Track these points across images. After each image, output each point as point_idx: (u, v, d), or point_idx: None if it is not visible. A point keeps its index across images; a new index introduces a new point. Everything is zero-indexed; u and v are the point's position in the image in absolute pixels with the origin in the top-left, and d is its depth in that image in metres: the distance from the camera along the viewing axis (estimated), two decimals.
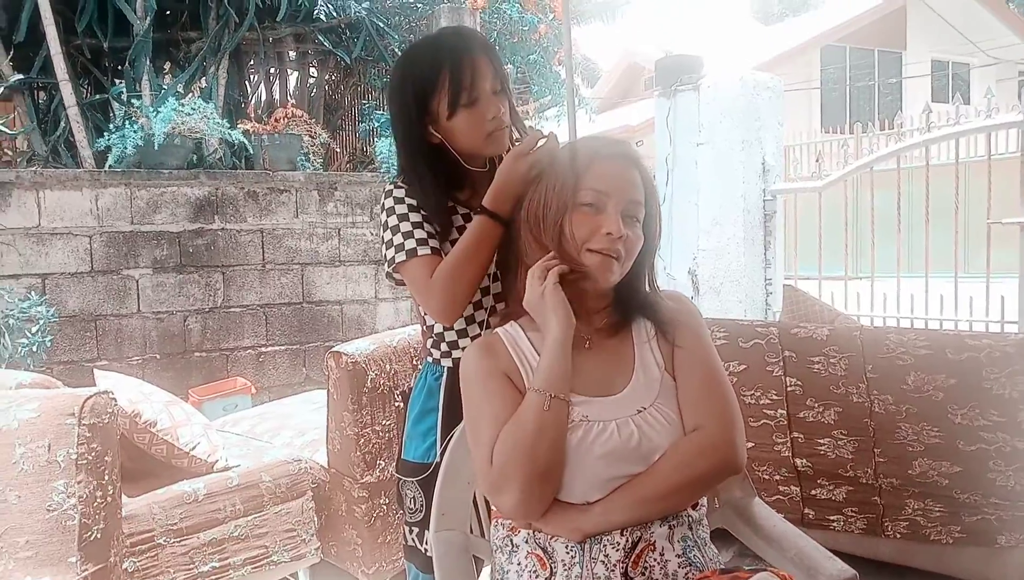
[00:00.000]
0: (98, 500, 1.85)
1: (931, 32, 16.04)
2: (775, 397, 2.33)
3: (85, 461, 1.82)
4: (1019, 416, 2.00)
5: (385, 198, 1.54)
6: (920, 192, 4.19)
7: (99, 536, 1.85)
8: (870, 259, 4.43)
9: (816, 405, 2.28)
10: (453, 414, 1.46)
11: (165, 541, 2.13)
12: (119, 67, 5.10)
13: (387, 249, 1.50)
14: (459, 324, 1.55)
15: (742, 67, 4.58)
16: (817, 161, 5.10)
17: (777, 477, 2.42)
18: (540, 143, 1.38)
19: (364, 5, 5.27)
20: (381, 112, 5.52)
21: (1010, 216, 3.73)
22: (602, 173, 1.22)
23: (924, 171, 4.19)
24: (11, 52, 4.79)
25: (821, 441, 2.30)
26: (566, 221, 1.22)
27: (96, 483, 1.85)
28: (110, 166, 4.38)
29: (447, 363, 1.58)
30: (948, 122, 4.56)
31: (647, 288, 1.31)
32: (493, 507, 1.27)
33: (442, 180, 1.52)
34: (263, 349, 4.66)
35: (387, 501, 2.47)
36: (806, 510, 2.41)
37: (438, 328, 1.58)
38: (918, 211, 4.20)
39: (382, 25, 5.43)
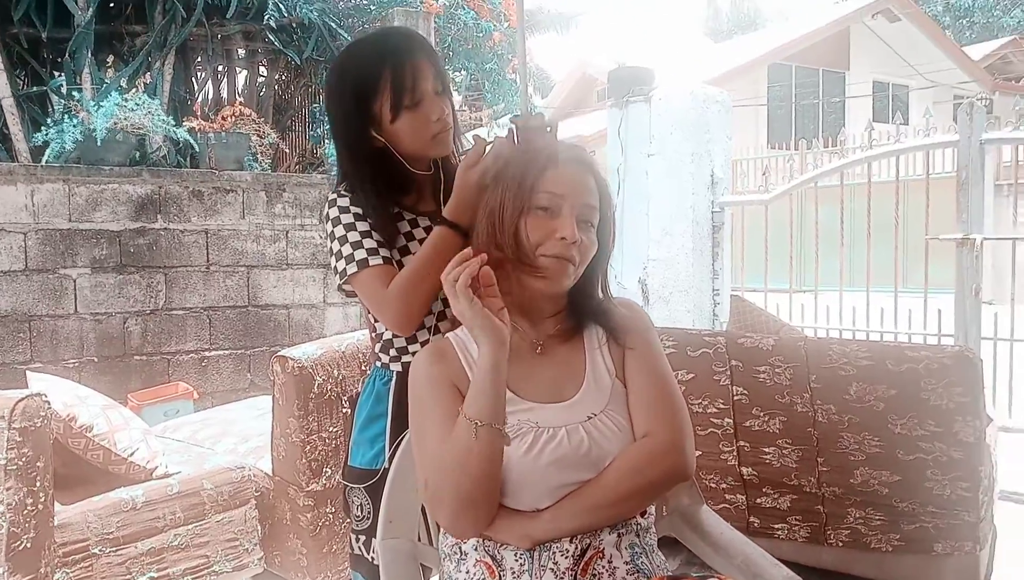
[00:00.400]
0: (28, 508, 1.79)
1: (873, 54, 16.62)
2: (722, 406, 2.36)
3: (15, 467, 1.75)
4: (955, 427, 2.06)
5: (329, 208, 1.49)
6: (862, 208, 4.31)
7: (29, 545, 1.78)
8: (814, 272, 4.55)
9: (762, 414, 2.31)
10: (402, 419, 1.44)
11: (100, 551, 2.06)
12: (58, 59, 4.95)
13: (336, 260, 1.46)
14: None
15: (693, 81, 4.66)
16: (764, 175, 5.21)
17: (724, 485, 2.45)
18: (488, 149, 1.37)
19: (316, 6, 5.20)
20: None
21: (947, 232, 3.86)
22: (557, 177, 1.21)
23: (866, 187, 4.32)
24: None
25: (766, 450, 2.33)
26: (521, 224, 1.21)
27: (27, 490, 1.79)
28: (47, 161, 4.23)
29: (396, 368, 1.55)
30: (889, 141, 4.71)
31: (600, 294, 1.31)
32: None
33: (386, 185, 1.49)
34: (206, 353, 4.55)
35: (333, 510, 2.43)
36: (751, 518, 2.44)
37: (387, 334, 1.55)
38: (860, 226, 4.32)
39: (334, 26, 5.38)
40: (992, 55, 18.54)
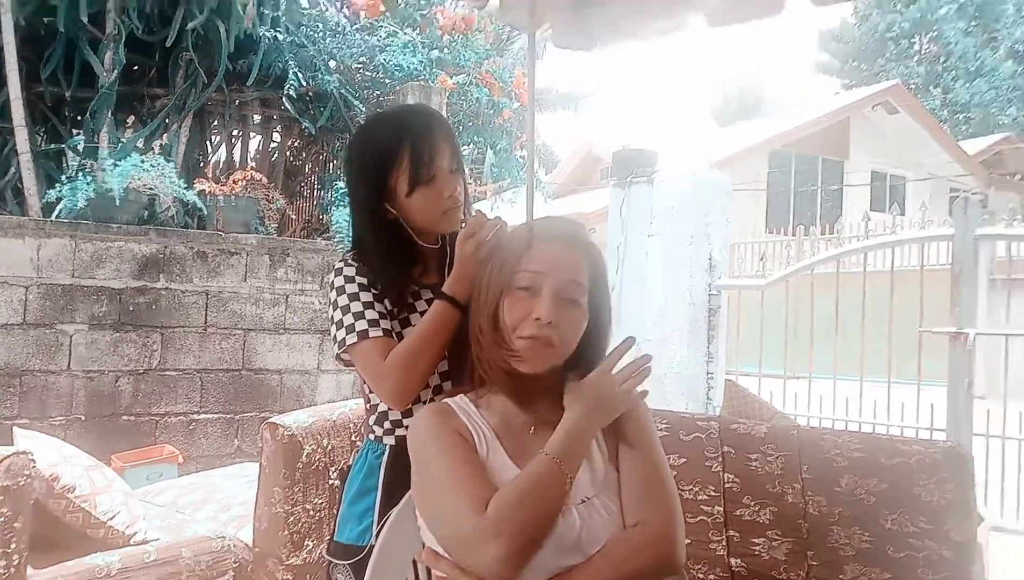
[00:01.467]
0: (0, 570, 1.74)
1: (872, 145, 16.96)
2: (713, 493, 2.33)
3: None
4: (946, 525, 2.03)
5: (335, 276, 1.52)
6: (857, 296, 4.34)
7: None
8: (808, 359, 4.55)
9: (752, 503, 2.28)
10: (393, 495, 1.43)
11: None
12: (79, 117, 5.05)
13: (337, 330, 1.48)
14: None
15: (695, 164, 4.75)
16: (761, 260, 5.27)
17: (712, 577, 2.40)
18: (487, 225, 1.40)
19: (334, 77, 5.35)
20: (341, 181, 5.54)
21: (940, 325, 3.87)
22: (540, 254, 1.22)
23: (861, 276, 4.36)
24: None
25: (756, 540, 2.29)
26: (500, 305, 1.22)
27: (1, 551, 1.75)
28: (57, 216, 4.28)
29: (389, 441, 1.54)
30: (885, 231, 4.77)
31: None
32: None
33: (396, 255, 1.51)
34: (195, 416, 4.50)
35: None
36: None
37: (382, 406, 1.54)
38: (855, 314, 4.34)
39: (350, 97, 5.51)
40: (987, 150, 18.91)
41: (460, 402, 1.28)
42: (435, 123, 1.52)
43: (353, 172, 1.55)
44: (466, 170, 1.61)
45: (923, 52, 26.53)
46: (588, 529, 1.16)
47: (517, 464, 1.19)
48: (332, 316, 1.50)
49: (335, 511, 2.24)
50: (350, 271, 1.50)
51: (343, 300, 1.48)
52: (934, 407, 4.10)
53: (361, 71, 5.61)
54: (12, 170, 4.70)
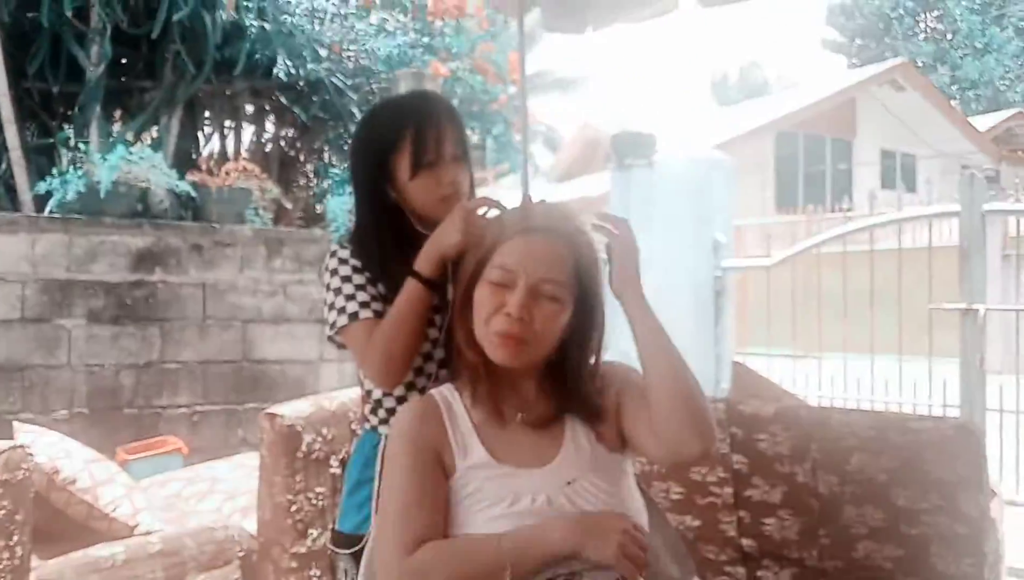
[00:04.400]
0: (4, 562, 1.76)
1: (880, 123, 16.85)
2: (722, 474, 2.32)
3: None
4: (958, 501, 2.01)
5: (329, 259, 1.53)
6: (865, 275, 4.30)
7: None
8: (817, 338, 4.51)
9: (762, 483, 2.27)
10: None
11: None
12: (68, 112, 5.05)
13: (329, 312, 1.49)
14: (399, 390, 1.52)
15: (695, 146, 4.72)
16: (768, 240, 5.23)
17: (723, 557, 2.38)
18: (479, 211, 1.39)
19: (324, 65, 5.31)
20: (338, 170, 5.53)
21: (951, 301, 3.83)
22: (515, 249, 1.20)
23: (869, 255, 4.31)
24: None
25: (767, 521, 2.28)
26: (476, 294, 1.21)
27: (3, 544, 1.76)
28: (50, 211, 4.28)
29: (385, 431, 1.53)
30: (892, 209, 4.72)
31: (579, 376, 1.25)
32: None
33: (393, 239, 1.51)
34: (198, 408, 4.51)
35: (318, 572, 2.37)
36: None
37: (377, 394, 1.55)
38: (863, 293, 4.30)
39: (341, 85, 5.48)
40: (998, 127, 18.79)
41: (446, 393, 1.27)
42: (442, 109, 1.53)
43: (356, 154, 1.57)
44: (471, 160, 1.60)
45: (929, 31, 26.36)
46: (580, 510, 1.16)
47: (495, 458, 1.19)
48: (325, 299, 1.51)
49: (338, 499, 2.23)
50: (344, 254, 1.51)
51: (336, 282, 1.49)
52: (946, 383, 4.07)
53: (353, 58, 5.57)
54: (3, 166, 4.70)
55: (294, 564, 2.32)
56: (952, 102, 19.26)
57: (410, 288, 1.40)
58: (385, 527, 1.17)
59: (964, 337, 3.75)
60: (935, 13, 26.07)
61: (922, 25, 26.54)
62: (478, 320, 1.20)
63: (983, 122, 18.77)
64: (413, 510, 1.15)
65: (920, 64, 23.05)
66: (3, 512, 1.75)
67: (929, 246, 4.19)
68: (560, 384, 1.24)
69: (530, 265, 1.17)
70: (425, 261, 1.40)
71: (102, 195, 4.20)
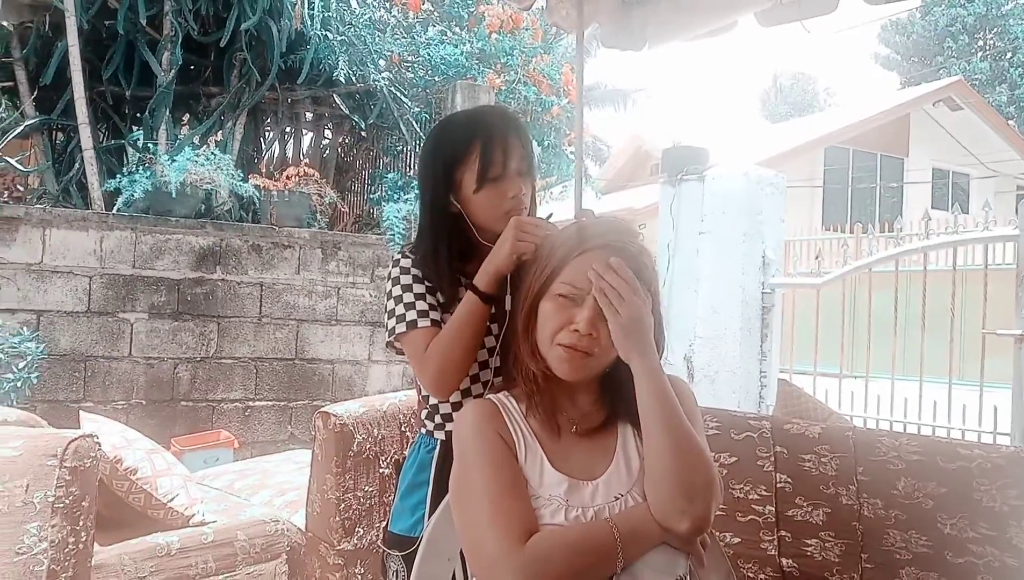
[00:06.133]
0: (70, 546, 1.80)
1: (933, 141, 16.46)
2: (764, 493, 2.29)
3: (62, 505, 1.78)
4: (1008, 531, 1.96)
5: (392, 267, 1.55)
6: (917, 296, 4.22)
7: None
8: (865, 359, 4.44)
9: (805, 504, 2.24)
10: (443, 489, 1.43)
11: None
12: (138, 114, 5.22)
13: (389, 319, 1.51)
14: (455, 397, 1.54)
15: (747, 162, 4.68)
16: (816, 258, 5.15)
17: (762, 576, 2.36)
18: (537, 230, 1.39)
19: (384, 75, 5.41)
20: (398, 176, 5.62)
21: (1006, 325, 3.74)
22: (583, 266, 1.19)
23: (922, 276, 4.24)
24: (35, 92, 4.90)
25: (808, 541, 2.25)
26: (540, 309, 1.21)
27: (70, 528, 1.80)
28: (118, 209, 4.42)
29: (440, 436, 1.56)
30: (947, 230, 4.63)
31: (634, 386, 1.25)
32: None
33: (454, 250, 1.53)
34: (250, 403, 4.61)
35: (362, 571, 2.40)
36: None
37: (433, 399, 1.57)
38: (915, 314, 4.22)
39: (399, 95, 5.57)
40: None
41: (504, 399, 1.28)
42: (510, 124, 1.54)
43: (425, 164, 1.58)
44: (536, 176, 1.61)
45: (988, 48, 25.63)
46: None
47: (555, 467, 1.19)
48: (386, 305, 1.54)
49: (385, 499, 2.28)
50: (406, 262, 1.53)
51: (397, 290, 1.51)
52: (997, 410, 3.97)
53: (411, 67, 5.66)
54: (76, 165, 4.87)
55: (340, 561, 2.36)
56: (1010, 122, 18.69)
57: (469, 302, 1.43)
58: (480, 522, 1.13)
59: (1018, 364, 3.66)
60: (995, 30, 25.35)
61: (980, 43, 25.83)
62: (543, 334, 1.20)
63: None
64: (508, 500, 1.14)
65: (977, 82, 22.43)
66: (71, 499, 1.80)
67: (985, 268, 4.10)
68: (615, 391, 1.25)
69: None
70: (483, 276, 1.42)
71: (173, 195, 4.34)
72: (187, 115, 5.65)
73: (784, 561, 2.30)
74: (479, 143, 1.49)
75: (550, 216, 1.54)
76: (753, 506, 2.32)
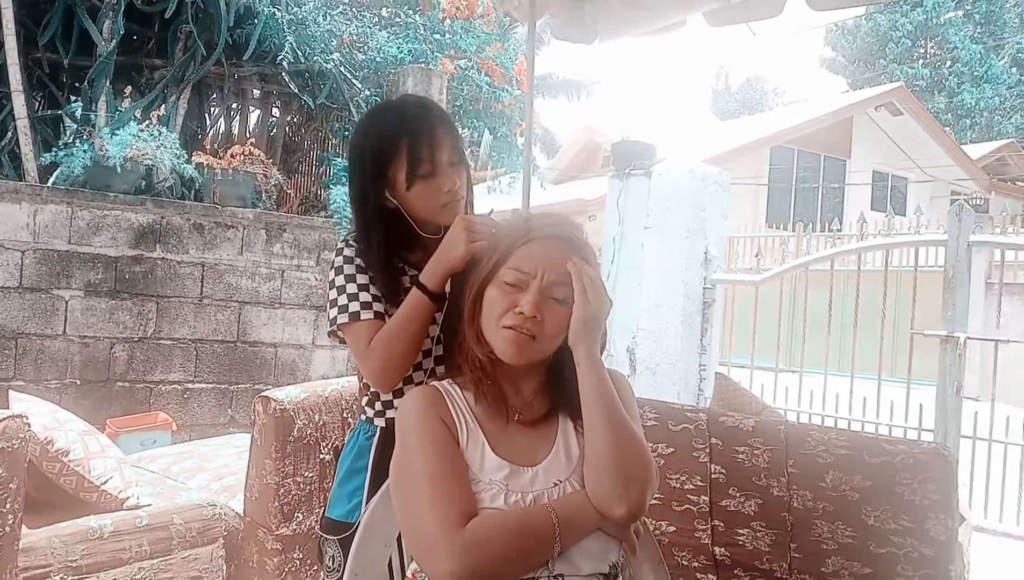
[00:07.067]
0: None
1: (874, 144, 16.96)
2: (699, 483, 2.36)
3: None
4: (927, 523, 2.05)
5: (336, 255, 1.54)
6: (851, 294, 4.37)
7: None
8: (800, 355, 4.58)
9: (738, 494, 2.31)
10: (382, 476, 1.44)
11: (62, 578, 2.03)
12: (76, 84, 5.04)
13: (331, 308, 1.51)
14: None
15: (695, 158, 4.76)
16: (757, 256, 5.28)
17: (695, 564, 2.43)
18: (486, 230, 1.40)
19: (333, 56, 5.33)
20: (340, 159, 5.55)
21: (933, 326, 3.90)
22: (529, 253, 1.24)
23: (856, 275, 4.38)
24: None
25: (740, 531, 2.32)
26: (486, 295, 1.24)
27: None
28: (54, 183, 4.28)
29: (380, 423, 1.57)
30: (881, 233, 4.79)
31: (576, 376, 1.28)
32: (419, 570, 1.24)
33: (393, 243, 1.53)
34: (189, 385, 4.52)
35: (301, 555, 2.40)
36: None
37: (373, 387, 1.57)
38: (848, 312, 4.37)
39: (349, 76, 5.50)
40: (990, 156, 18.93)
41: (448, 386, 1.30)
42: (435, 116, 1.53)
43: (354, 161, 1.56)
44: (468, 161, 1.62)
45: (928, 55, 26.49)
46: None
47: (496, 453, 1.22)
48: (328, 294, 1.53)
49: (325, 485, 2.27)
50: (350, 252, 1.53)
51: (340, 280, 1.51)
52: (923, 407, 4.14)
53: (362, 49, 5.59)
54: (9, 135, 4.70)
55: (278, 546, 2.35)
56: (947, 129, 19.38)
57: (414, 300, 1.43)
58: (420, 505, 1.15)
59: (943, 363, 3.81)
60: (935, 39, 26.19)
61: (921, 50, 26.66)
62: (489, 318, 1.23)
63: (976, 150, 18.92)
64: (448, 484, 1.16)
65: (917, 88, 23.18)
66: None
67: (915, 270, 4.27)
68: (559, 384, 1.28)
69: (543, 268, 1.22)
70: (432, 277, 1.42)
71: (118, 170, 4.21)
72: (129, 87, 5.46)
73: (717, 549, 2.37)
74: (406, 142, 1.48)
75: (491, 211, 1.55)
76: (688, 496, 2.38)
